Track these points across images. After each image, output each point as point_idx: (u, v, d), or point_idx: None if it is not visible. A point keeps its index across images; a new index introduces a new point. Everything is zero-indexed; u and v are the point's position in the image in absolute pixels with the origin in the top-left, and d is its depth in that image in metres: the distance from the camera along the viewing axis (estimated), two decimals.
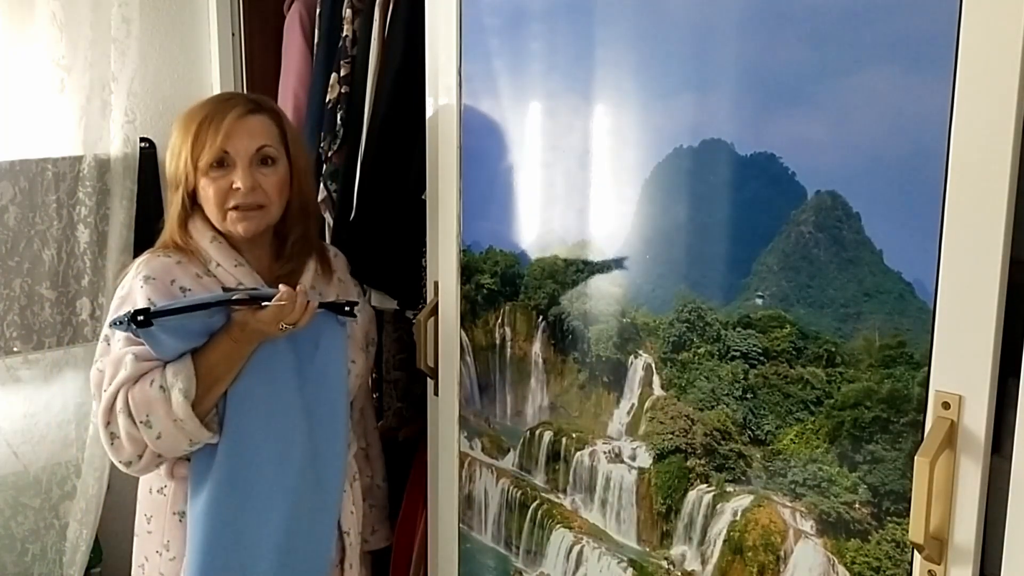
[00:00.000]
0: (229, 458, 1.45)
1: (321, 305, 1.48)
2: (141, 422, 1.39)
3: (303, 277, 1.56)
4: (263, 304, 1.39)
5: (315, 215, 1.66)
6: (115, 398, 1.40)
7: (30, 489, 2.17)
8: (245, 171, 1.47)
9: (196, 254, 1.51)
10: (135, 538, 1.58)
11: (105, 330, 1.48)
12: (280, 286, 1.40)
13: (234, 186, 1.47)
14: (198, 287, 1.47)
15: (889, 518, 1.03)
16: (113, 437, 1.42)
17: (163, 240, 1.54)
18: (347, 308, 1.53)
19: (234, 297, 1.40)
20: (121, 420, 1.40)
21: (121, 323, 1.34)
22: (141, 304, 1.40)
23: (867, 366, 1.03)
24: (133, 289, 1.46)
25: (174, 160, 1.52)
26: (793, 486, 1.11)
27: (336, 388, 1.55)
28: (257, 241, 1.55)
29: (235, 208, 1.48)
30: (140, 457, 1.43)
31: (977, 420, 0.94)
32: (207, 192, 1.48)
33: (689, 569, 1.25)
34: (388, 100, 1.80)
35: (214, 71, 2.31)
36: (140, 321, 1.33)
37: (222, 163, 1.48)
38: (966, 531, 0.97)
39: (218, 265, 1.50)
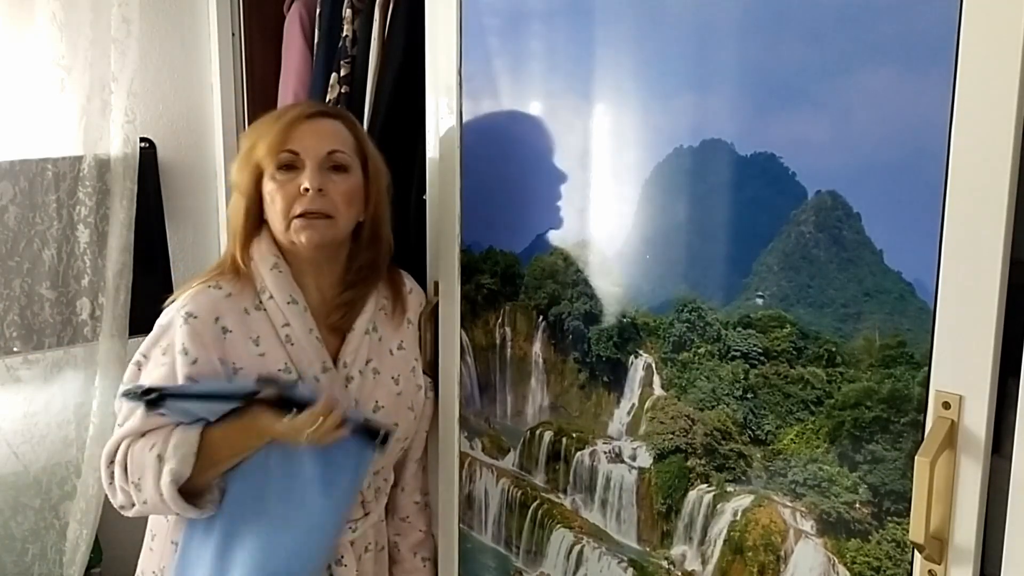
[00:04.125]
0: (222, 530, 1.38)
1: (353, 430, 1.34)
2: (133, 483, 1.34)
3: (360, 319, 1.45)
4: (288, 402, 1.29)
5: (388, 242, 1.50)
6: (118, 447, 1.36)
7: (30, 489, 2.17)
8: (314, 172, 1.36)
9: (252, 281, 1.41)
10: (143, 547, 1.54)
11: (136, 356, 1.41)
12: (323, 398, 1.30)
13: (302, 188, 1.35)
14: (241, 327, 1.38)
15: (889, 518, 1.03)
16: (111, 478, 1.38)
17: (222, 259, 1.45)
18: (382, 437, 1.36)
19: (261, 394, 1.30)
20: (117, 472, 1.36)
21: (133, 395, 1.28)
22: (179, 342, 1.35)
23: (867, 366, 1.03)
24: (174, 324, 1.37)
25: (238, 164, 1.43)
26: (793, 486, 1.11)
27: (333, 507, 1.39)
28: (324, 263, 1.44)
29: (300, 215, 1.36)
30: (132, 506, 1.38)
31: (977, 420, 0.94)
32: (274, 198, 1.38)
33: (689, 569, 1.25)
34: (388, 100, 1.79)
35: (214, 71, 2.31)
36: (151, 401, 1.27)
37: (291, 166, 1.37)
38: (966, 531, 0.97)
39: (271, 298, 1.40)
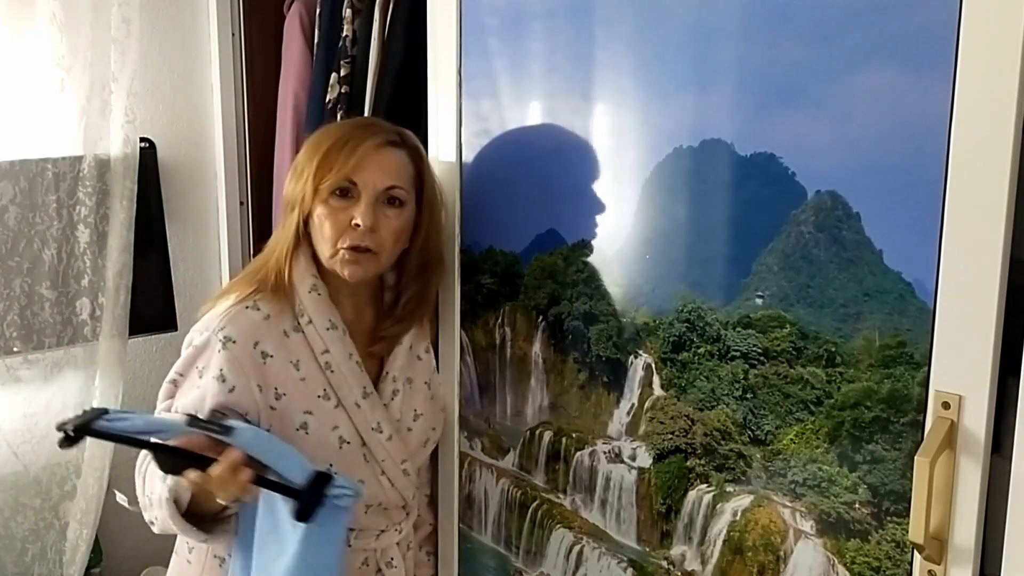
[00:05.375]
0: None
1: (262, 483, 1.20)
2: (148, 496, 1.30)
3: (406, 335, 1.46)
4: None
5: (437, 272, 1.49)
6: (144, 460, 1.32)
7: (30, 489, 2.17)
8: (368, 207, 1.33)
9: (291, 301, 1.37)
10: (173, 555, 1.48)
11: (172, 374, 1.37)
12: (225, 458, 1.17)
13: (353, 222, 1.33)
14: (282, 351, 1.34)
15: (889, 518, 1.03)
16: (142, 492, 1.33)
17: (261, 271, 1.39)
18: (303, 500, 1.20)
19: (170, 443, 1.19)
20: (138, 483, 1.33)
21: (59, 427, 1.18)
22: (215, 367, 1.30)
23: (867, 366, 1.03)
24: (211, 346, 1.32)
25: (295, 180, 1.38)
26: (793, 486, 1.11)
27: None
28: (361, 290, 1.43)
29: (347, 248, 1.34)
30: (154, 523, 1.32)
31: (977, 420, 0.94)
32: (322, 223, 1.35)
33: (689, 569, 1.25)
34: (388, 100, 1.79)
35: (214, 71, 2.31)
36: (69, 437, 1.17)
37: (346, 193, 1.34)
38: (966, 531, 0.97)
39: (309, 322, 1.36)
